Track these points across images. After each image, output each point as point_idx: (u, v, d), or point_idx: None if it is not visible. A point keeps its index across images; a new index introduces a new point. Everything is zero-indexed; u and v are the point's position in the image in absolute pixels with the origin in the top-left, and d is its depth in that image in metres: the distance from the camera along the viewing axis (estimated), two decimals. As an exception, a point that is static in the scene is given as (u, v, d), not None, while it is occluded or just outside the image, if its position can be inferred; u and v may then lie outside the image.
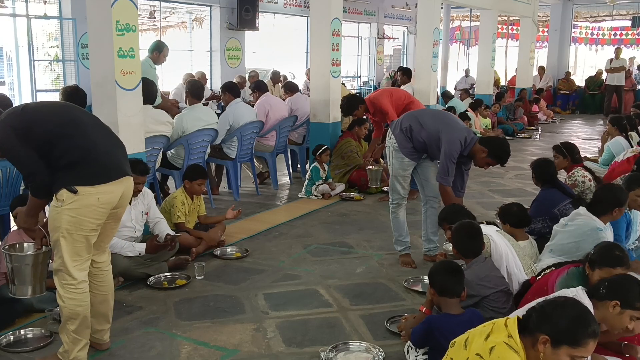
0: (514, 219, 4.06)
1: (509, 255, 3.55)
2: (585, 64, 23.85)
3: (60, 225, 2.88)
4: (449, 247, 3.72)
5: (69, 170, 2.87)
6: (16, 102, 7.50)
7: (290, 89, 8.41)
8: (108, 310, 3.26)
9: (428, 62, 9.70)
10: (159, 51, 6.90)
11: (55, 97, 8.64)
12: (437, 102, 10.74)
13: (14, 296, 3.15)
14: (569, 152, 5.14)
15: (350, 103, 6.60)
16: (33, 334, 3.46)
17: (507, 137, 9.67)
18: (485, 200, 6.72)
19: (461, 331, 2.30)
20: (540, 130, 12.58)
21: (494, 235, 3.58)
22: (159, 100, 6.68)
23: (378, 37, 17.69)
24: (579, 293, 2.56)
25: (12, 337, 3.40)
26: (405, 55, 19.84)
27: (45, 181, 2.89)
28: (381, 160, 7.07)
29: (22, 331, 3.46)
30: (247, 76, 11.85)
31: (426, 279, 4.07)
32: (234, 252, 4.90)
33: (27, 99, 9.37)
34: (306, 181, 6.85)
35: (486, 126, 11.36)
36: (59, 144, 2.87)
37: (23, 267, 3.05)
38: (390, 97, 6.37)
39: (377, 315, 3.73)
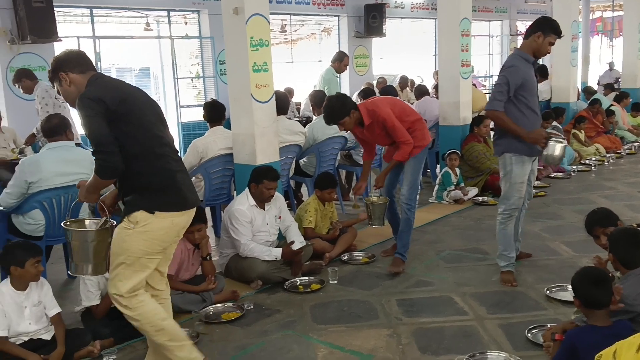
0: (669, 223, 3.71)
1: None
2: None
3: (129, 248, 2.79)
4: None
5: (151, 194, 2.81)
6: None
7: (420, 92, 8.37)
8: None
9: (566, 57, 9.19)
10: (339, 61, 7.41)
11: (198, 112, 9.25)
12: (578, 99, 10.11)
13: (74, 274, 3.14)
14: None
15: (338, 107, 4.47)
16: (182, 334, 3.68)
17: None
18: (634, 203, 6.20)
19: (608, 345, 2.14)
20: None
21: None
22: None
23: (511, 34, 17.01)
24: None
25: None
26: (540, 52, 18.90)
27: (114, 159, 2.69)
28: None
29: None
30: (374, 82, 11.92)
31: (569, 287, 3.85)
32: (361, 258, 4.94)
33: (172, 114, 10.11)
34: (437, 186, 6.73)
35: (639, 124, 10.45)
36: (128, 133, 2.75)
37: (84, 245, 2.89)
38: (392, 107, 4.60)
39: (516, 325, 3.57)
